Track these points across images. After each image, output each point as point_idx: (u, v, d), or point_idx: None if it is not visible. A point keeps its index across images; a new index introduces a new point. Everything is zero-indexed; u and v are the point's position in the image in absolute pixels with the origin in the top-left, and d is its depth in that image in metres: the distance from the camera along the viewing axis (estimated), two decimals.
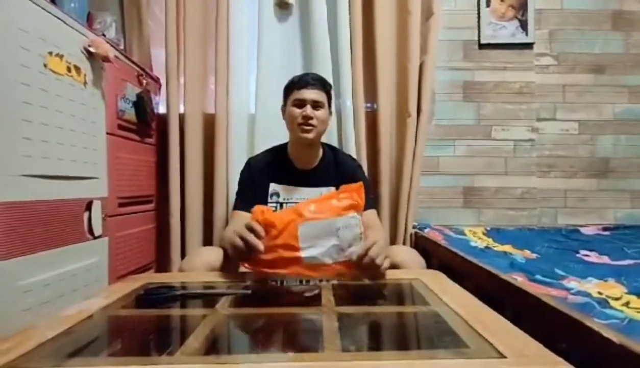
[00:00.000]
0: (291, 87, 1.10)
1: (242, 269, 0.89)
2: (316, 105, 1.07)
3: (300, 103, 1.07)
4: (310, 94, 1.07)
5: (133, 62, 1.34)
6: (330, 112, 1.15)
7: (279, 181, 1.13)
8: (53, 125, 0.88)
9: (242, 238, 0.78)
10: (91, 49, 1.01)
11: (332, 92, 1.17)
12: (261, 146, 1.36)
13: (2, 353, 0.47)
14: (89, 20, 1.24)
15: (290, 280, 0.79)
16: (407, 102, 1.59)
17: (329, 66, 1.56)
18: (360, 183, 0.88)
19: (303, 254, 0.75)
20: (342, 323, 0.56)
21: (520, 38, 1.77)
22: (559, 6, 1.79)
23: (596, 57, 1.79)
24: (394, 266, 0.94)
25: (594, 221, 1.76)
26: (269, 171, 1.13)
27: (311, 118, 1.06)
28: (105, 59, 1.05)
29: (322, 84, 1.10)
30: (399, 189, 1.60)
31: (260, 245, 0.76)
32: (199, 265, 0.92)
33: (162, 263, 1.51)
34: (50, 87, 0.88)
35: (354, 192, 0.85)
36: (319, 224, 0.79)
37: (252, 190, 1.12)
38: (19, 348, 0.48)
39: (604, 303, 0.66)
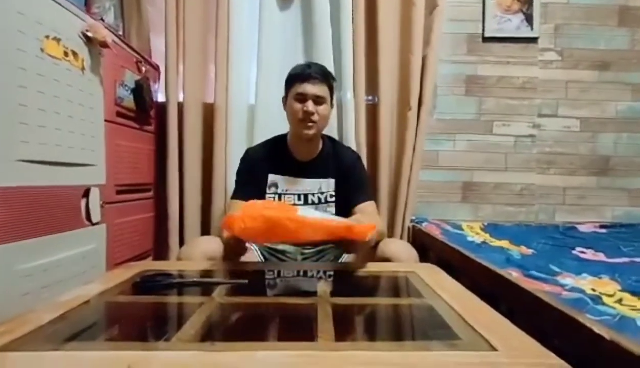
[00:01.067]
0: (293, 79, 1.07)
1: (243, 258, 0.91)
2: (318, 100, 1.05)
3: (302, 98, 1.04)
4: (313, 88, 1.04)
5: (132, 49, 1.32)
6: (332, 105, 1.13)
7: (277, 172, 1.12)
8: (50, 110, 0.87)
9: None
10: (89, 34, 0.99)
11: (335, 84, 1.15)
12: (260, 137, 1.36)
13: (0, 336, 0.47)
14: (87, 5, 1.22)
15: (287, 271, 0.80)
16: (409, 95, 1.57)
17: (330, 57, 1.54)
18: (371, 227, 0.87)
19: (299, 211, 0.82)
20: (337, 314, 0.57)
21: (525, 32, 1.75)
22: (565, 0, 1.77)
23: (601, 53, 1.77)
24: (386, 259, 0.94)
25: (592, 218, 1.76)
26: (267, 161, 1.13)
27: (312, 114, 1.04)
28: (103, 44, 1.03)
29: (325, 78, 1.07)
30: (398, 182, 1.60)
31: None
32: (197, 254, 0.93)
33: (160, 251, 1.52)
34: (47, 71, 0.86)
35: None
36: (317, 212, 0.88)
37: (250, 180, 1.12)
38: (16, 331, 0.49)
39: (597, 299, 0.67)
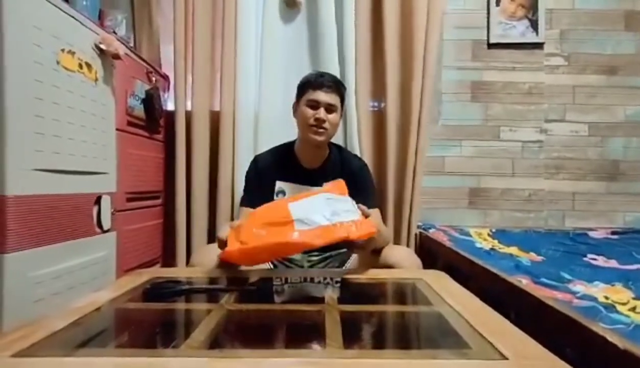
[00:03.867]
0: (306, 87, 1.09)
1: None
2: (330, 108, 1.07)
3: (314, 104, 1.07)
4: (325, 97, 1.06)
5: (142, 60, 1.36)
6: (342, 115, 1.15)
7: (285, 179, 1.13)
8: (64, 121, 0.90)
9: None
10: (102, 47, 1.02)
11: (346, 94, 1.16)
12: (266, 145, 1.37)
13: (14, 342, 0.48)
14: (101, 18, 1.25)
15: (295, 278, 0.80)
16: (412, 101, 1.58)
17: (335, 65, 1.56)
18: (341, 180, 0.90)
19: (294, 217, 0.76)
20: (345, 321, 0.57)
21: (531, 38, 1.74)
22: (570, 6, 1.77)
23: (608, 58, 1.76)
24: (389, 265, 0.93)
25: (603, 224, 1.73)
26: (275, 169, 1.14)
27: (324, 121, 1.06)
28: (116, 56, 1.07)
29: (338, 87, 1.10)
30: (403, 189, 1.59)
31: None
32: (208, 261, 0.93)
33: (168, 257, 1.53)
34: (62, 83, 0.89)
35: (336, 186, 0.88)
36: (309, 200, 0.82)
37: (258, 187, 1.13)
38: (30, 337, 0.50)
39: (610, 307, 0.66)
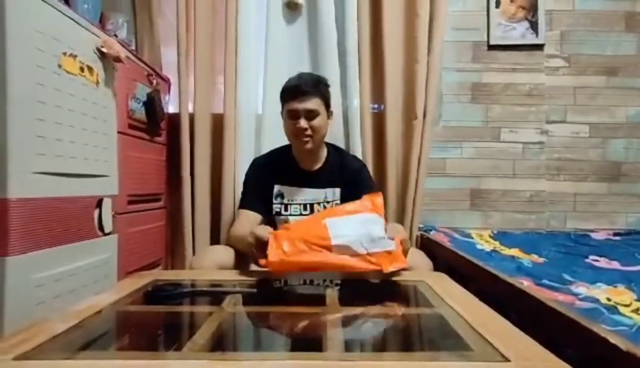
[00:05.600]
0: (285, 96, 1.07)
1: (255, 268, 0.91)
2: (310, 115, 1.04)
3: (294, 114, 1.04)
4: (302, 104, 1.03)
5: (144, 63, 1.36)
6: (331, 112, 1.13)
7: (283, 183, 1.13)
8: (66, 124, 0.90)
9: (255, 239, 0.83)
10: (103, 50, 1.03)
11: (331, 91, 1.12)
12: (268, 147, 1.37)
13: (15, 345, 0.48)
14: (102, 21, 1.26)
15: (295, 280, 0.80)
16: (415, 104, 1.58)
17: (336, 67, 1.56)
18: (380, 194, 0.88)
19: (333, 242, 0.76)
20: (346, 324, 0.57)
21: (531, 39, 1.75)
22: (570, 7, 1.77)
23: (608, 58, 1.76)
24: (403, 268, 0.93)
25: (605, 225, 1.73)
26: (273, 172, 1.14)
27: (306, 129, 1.04)
28: (117, 59, 1.07)
29: (316, 89, 1.05)
30: (405, 191, 1.59)
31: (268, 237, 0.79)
32: (209, 264, 0.93)
33: (171, 260, 1.53)
34: (64, 86, 0.90)
35: (373, 200, 0.87)
36: (346, 218, 0.82)
37: (257, 190, 1.13)
38: (31, 340, 0.50)
39: (613, 309, 0.66)
